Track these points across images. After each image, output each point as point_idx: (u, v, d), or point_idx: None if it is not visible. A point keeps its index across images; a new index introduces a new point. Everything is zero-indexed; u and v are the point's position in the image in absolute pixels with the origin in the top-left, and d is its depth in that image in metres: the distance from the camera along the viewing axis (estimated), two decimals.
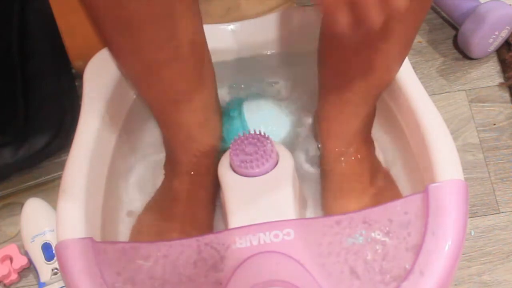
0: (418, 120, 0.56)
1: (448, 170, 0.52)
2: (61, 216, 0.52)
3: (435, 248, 0.48)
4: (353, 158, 0.63)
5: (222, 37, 0.68)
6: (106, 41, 0.58)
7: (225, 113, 0.67)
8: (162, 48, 0.53)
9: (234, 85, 0.71)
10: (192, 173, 0.62)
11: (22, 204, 0.70)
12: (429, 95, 0.58)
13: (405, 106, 0.59)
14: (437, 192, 0.50)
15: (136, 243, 0.52)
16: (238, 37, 0.69)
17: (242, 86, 0.71)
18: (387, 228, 0.50)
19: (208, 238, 0.51)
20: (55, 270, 0.66)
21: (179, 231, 0.60)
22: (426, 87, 0.59)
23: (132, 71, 0.57)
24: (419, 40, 0.84)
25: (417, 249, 0.48)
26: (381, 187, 0.62)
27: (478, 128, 0.76)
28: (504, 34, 0.79)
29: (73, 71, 0.77)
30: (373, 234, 0.50)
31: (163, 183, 0.65)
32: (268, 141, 0.56)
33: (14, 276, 0.68)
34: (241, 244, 0.50)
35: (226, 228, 0.53)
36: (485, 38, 0.78)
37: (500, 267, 0.67)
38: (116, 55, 0.58)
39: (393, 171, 0.65)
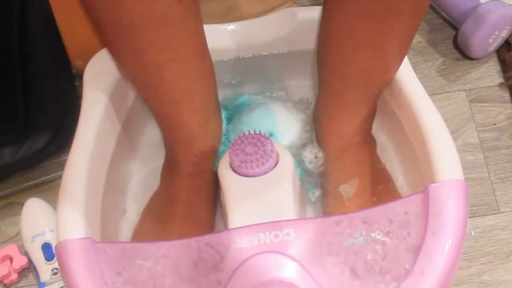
0: (418, 120, 0.56)
1: (448, 170, 0.52)
2: (61, 216, 0.52)
3: (435, 248, 0.48)
4: (353, 157, 0.63)
5: (222, 37, 0.68)
6: (106, 43, 0.58)
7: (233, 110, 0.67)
8: (162, 50, 0.53)
9: (235, 84, 0.71)
10: (192, 173, 0.62)
11: (22, 204, 0.70)
12: (429, 95, 0.58)
13: (405, 106, 0.59)
14: (437, 192, 0.50)
15: (136, 243, 0.52)
16: (238, 37, 0.69)
17: (242, 86, 0.71)
18: (387, 228, 0.50)
19: (208, 238, 0.51)
20: (55, 270, 0.66)
21: (180, 231, 0.60)
22: (426, 87, 0.59)
23: (132, 73, 0.57)
24: (419, 40, 0.84)
25: (417, 249, 0.48)
26: (381, 187, 0.62)
27: (478, 128, 0.76)
28: (504, 34, 0.79)
29: (73, 71, 0.77)
30: (373, 234, 0.50)
31: (163, 183, 0.65)
32: (268, 141, 0.56)
33: (14, 276, 0.68)
34: (241, 244, 0.50)
35: (226, 228, 0.53)
36: (485, 38, 0.78)
37: (500, 267, 0.67)
38: (116, 56, 0.58)
39: (393, 171, 0.65)
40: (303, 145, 0.66)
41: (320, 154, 0.64)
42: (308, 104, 0.70)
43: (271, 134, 0.64)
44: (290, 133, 0.66)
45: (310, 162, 0.64)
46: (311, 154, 0.64)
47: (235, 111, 0.68)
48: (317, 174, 0.64)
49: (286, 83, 0.71)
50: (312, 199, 0.63)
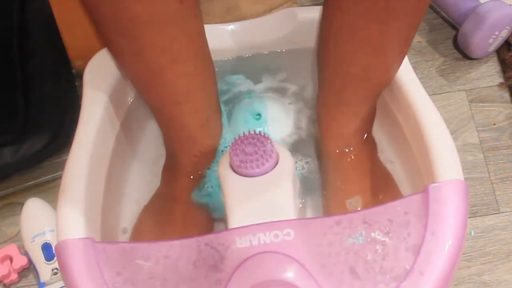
0: (418, 120, 0.56)
1: (448, 170, 0.52)
2: (61, 216, 0.52)
3: (435, 248, 0.48)
4: (353, 158, 0.63)
5: (222, 37, 0.68)
6: (107, 43, 0.58)
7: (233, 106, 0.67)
8: (163, 51, 0.53)
9: (234, 84, 0.71)
10: (192, 173, 0.62)
11: (22, 204, 0.70)
12: (429, 95, 0.58)
13: (405, 106, 0.59)
14: (437, 192, 0.50)
15: (136, 243, 0.52)
16: (238, 37, 0.69)
17: (243, 86, 0.71)
18: (387, 228, 0.50)
19: (208, 238, 0.51)
20: (55, 270, 0.66)
21: (180, 231, 0.60)
22: (426, 87, 0.59)
23: (133, 73, 0.57)
24: (419, 40, 0.84)
25: (417, 249, 0.48)
26: (381, 187, 0.62)
27: (478, 128, 0.76)
28: (504, 34, 0.79)
29: (73, 71, 0.77)
30: (373, 234, 0.50)
31: (163, 183, 0.65)
32: (268, 141, 0.56)
33: (14, 276, 0.68)
34: (241, 244, 0.50)
35: (226, 228, 0.53)
36: (485, 38, 0.78)
37: (500, 267, 0.67)
38: (117, 57, 0.58)
39: (393, 171, 0.65)
40: (294, 150, 0.66)
41: (310, 160, 0.64)
42: (307, 103, 0.70)
43: (259, 116, 0.64)
44: (283, 123, 0.66)
45: (303, 168, 0.64)
46: (301, 162, 0.64)
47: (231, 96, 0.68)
48: (312, 178, 0.64)
49: (286, 83, 0.71)
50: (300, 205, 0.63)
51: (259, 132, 0.56)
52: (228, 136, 0.65)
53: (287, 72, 0.71)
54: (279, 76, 0.71)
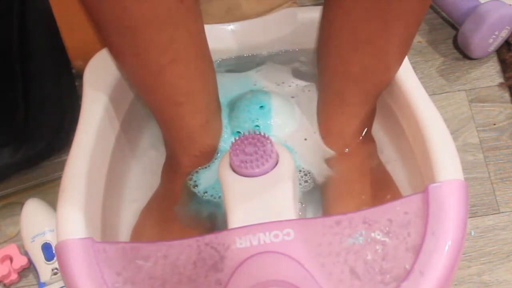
0: (418, 120, 0.56)
1: (448, 170, 0.52)
2: (61, 216, 0.52)
3: (435, 248, 0.48)
4: (353, 157, 0.63)
5: (222, 37, 0.68)
6: (107, 44, 0.58)
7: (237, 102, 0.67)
8: (163, 51, 0.53)
9: (234, 84, 0.71)
10: (192, 173, 0.62)
11: (22, 204, 0.70)
12: (429, 95, 0.58)
13: (405, 106, 0.59)
14: (437, 192, 0.50)
15: (136, 243, 0.52)
16: (238, 37, 0.69)
17: (243, 86, 0.71)
18: (387, 228, 0.50)
19: (208, 238, 0.51)
20: (55, 270, 0.66)
21: (180, 231, 0.60)
22: (426, 87, 0.59)
23: (134, 74, 0.57)
24: (419, 40, 0.84)
25: (417, 249, 0.48)
26: (381, 187, 0.62)
27: (478, 128, 0.76)
28: (504, 34, 0.79)
29: (73, 71, 0.77)
30: (373, 234, 0.50)
31: (163, 182, 0.65)
32: (268, 141, 0.56)
33: (14, 276, 0.68)
34: (241, 244, 0.50)
35: (226, 228, 0.53)
36: (485, 38, 0.78)
37: (500, 267, 0.67)
38: (117, 58, 0.58)
39: (393, 171, 0.65)
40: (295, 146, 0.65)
41: (309, 178, 0.64)
42: (306, 103, 0.70)
43: (262, 107, 0.64)
44: (286, 115, 0.65)
45: (300, 184, 0.63)
46: (301, 179, 0.64)
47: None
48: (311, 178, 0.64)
49: (287, 83, 0.71)
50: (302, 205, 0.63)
51: (259, 132, 0.56)
52: (229, 128, 0.64)
53: (287, 73, 0.71)
54: (280, 76, 0.71)
